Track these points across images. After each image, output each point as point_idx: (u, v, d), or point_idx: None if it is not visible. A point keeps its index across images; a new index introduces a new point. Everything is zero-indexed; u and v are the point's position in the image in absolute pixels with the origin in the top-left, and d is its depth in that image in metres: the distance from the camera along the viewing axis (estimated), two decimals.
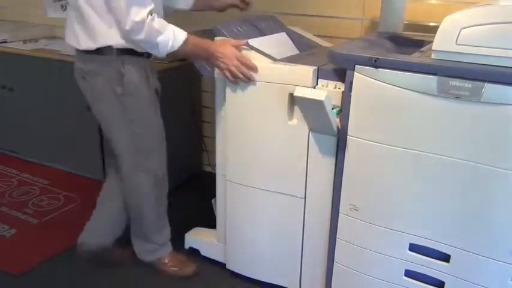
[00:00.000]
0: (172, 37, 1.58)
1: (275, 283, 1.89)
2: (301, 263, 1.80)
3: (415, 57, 1.39)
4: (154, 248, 1.98)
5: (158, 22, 1.56)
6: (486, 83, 1.21)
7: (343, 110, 1.47)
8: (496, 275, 1.36)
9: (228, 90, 1.69)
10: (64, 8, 2.96)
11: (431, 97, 1.30)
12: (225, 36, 1.71)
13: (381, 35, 1.79)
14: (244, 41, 1.66)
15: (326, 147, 1.59)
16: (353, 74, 1.40)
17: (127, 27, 1.54)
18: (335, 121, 1.51)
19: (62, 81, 2.65)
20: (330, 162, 1.59)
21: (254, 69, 1.61)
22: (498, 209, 1.30)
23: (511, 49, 1.19)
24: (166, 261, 1.99)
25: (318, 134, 1.58)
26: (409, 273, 1.52)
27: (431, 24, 2.05)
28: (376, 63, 1.35)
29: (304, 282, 1.82)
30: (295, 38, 1.98)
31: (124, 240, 2.02)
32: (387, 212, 1.48)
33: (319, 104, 1.45)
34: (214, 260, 2.04)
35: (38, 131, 2.91)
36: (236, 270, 1.96)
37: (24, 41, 2.94)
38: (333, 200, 1.62)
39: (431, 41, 1.31)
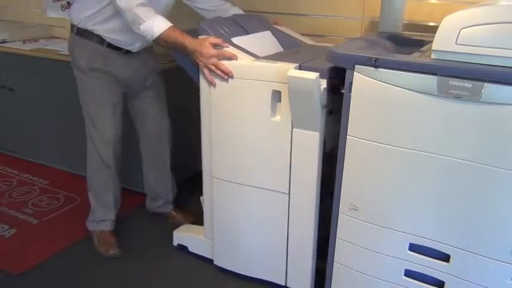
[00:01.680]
0: (150, 28, 1.73)
1: (262, 278, 1.91)
2: (287, 257, 1.82)
3: (415, 57, 1.39)
4: (90, 218, 2.22)
5: (144, 11, 1.73)
6: (486, 83, 1.21)
7: (344, 111, 1.47)
8: (496, 275, 1.36)
9: (213, 88, 1.72)
10: (64, 8, 2.96)
11: (431, 97, 1.29)
12: (209, 35, 1.74)
13: (380, 35, 1.79)
14: (221, 40, 1.70)
15: (309, 143, 1.61)
16: (353, 73, 1.40)
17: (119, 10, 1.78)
18: (321, 111, 1.54)
19: (62, 81, 2.65)
20: (312, 159, 1.62)
21: (229, 73, 1.66)
22: (498, 208, 1.30)
23: (511, 49, 1.19)
24: (94, 237, 2.18)
25: (301, 131, 1.60)
26: (409, 273, 1.52)
27: (431, 24, 2.05)
28: (376, 63, 1.35)
29: (290, 276, 1.84)
30: (281, 37, 2.00)
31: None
32: (387, 212, 1.48)
33: (309, 83, 1.48)
34: (202, 256, 2.07)
35: (38, 131, 2.91)
36: (223, 266, 1.99)
37: (24, 41, 2.95)
38: (318, 195, 1.65)
39: (431, 41, 1.31)
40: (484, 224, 1.33)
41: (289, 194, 1.71)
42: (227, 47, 1.69)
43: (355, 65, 1.39)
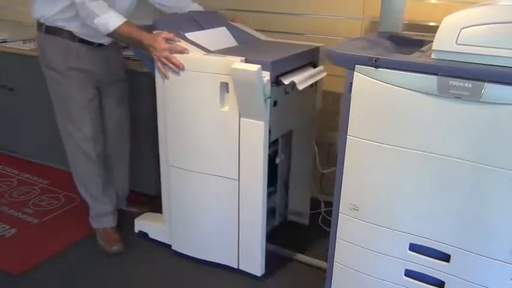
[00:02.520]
0: (105, 21, 1.79)
1: (216, 261, 2.01)
2: (239, 241, 1.92)
3: (415, 57, 1.39)
4: (91, 215, 2.23)
5: (98, 5, 1.78)
6: (486, 83, 1.21)
7: (344, 111, 1.47)
8: (496, 275, 1.36)
9: (166, 80, 1.81)
10: None
11: (431, 97, 1.29)
12: (164, 30, 1.81)
13: (381, 35, 1.79)
14: (173, 35, 1.79)
15: (255, 132, 1.72)
16: (353, 73, 1.40)
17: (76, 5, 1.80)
18: (264, 102, 1.66)
19: None
20: (258, 146, 1.73)
21: (180, 65, 1.75)
22: (498, 208, 1.30)
23: (511, 49, 1.19)
24: (98, 234, 2.21)
25: (248, 120, 1.72)
26: (409, 273, 1.52)
27: (432, 24, 2.05)
28: (376, 63, 1.35)
29: (242, 259, 1.95)
30: (236, 33, 2.09)
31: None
32: (387, 212, 1.48)
33: (251, 75, 1.59)
34: (161, 242, 2.14)
35: (38, 131, 2.90)
36: (180, 251, 2.08)
37: (24, 41, 2.94)
38: (266, 181, 1.78)
39: (432, 41, 1.31)
40: (484, 224, 1.33)
41: (238, 180, 1.82)
42: (179, 41, 1.79)
43: (356, 65, 1.39)
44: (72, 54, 1.95)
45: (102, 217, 2.20)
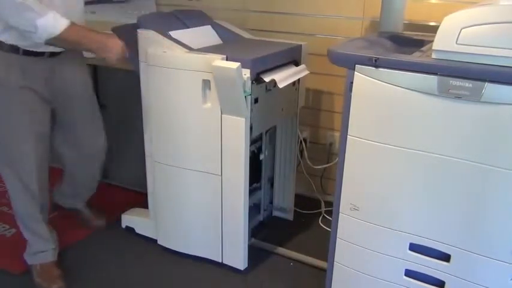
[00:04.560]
0: (52, 22, 1.54)
1: (201, 256, 2.04)
2: (222, 236, 1.95)
3: (416, 57, 1.39)
4: (28, 251, 1.96)
5: (38, 6, 1.53)
6: (486, 83, 1.21)
7: (344, 111, 1.47)
8: (496, 275, 1.36)
9: (150, 79, 1.85)
10: None
11: (431, 97, 1.30)
12: (147, 29, 1.84)
13: (381, 35, 1.79)
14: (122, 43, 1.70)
15: (236, 128, 1.76)
16: (353, 73, 1.40)
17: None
18: (245, 99, 1.70)
19: None
20: (240, 142, 1.77)
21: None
22: (498, 208, 1.30)
23: (511, 49, 1.19)
24: (34, 271, 1.93)
25: (230, 116, 1.76)
26: (409, 273, 1.52)
27: (432, 24, 2.05)
28: (376, 63, 1.35)
29: (226, 254, 1.98)
30: (220, 31, 2.12)
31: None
32: (387, 212, 1.48)
33: (231, 73, 1.63)
34: (148, 237, 2.19)
35: None
36: (166, 245, 2.11)
37: None
38: (247, 176, 1.82)
39: (432, 41, 1.31)
40: (485, 224, 1.33)
41: (221, 175, 1.85)
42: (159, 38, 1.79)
43: (356, 65, 1.39)
44: (15, 68, 1.65)
45: (42, 253, 1.93)
